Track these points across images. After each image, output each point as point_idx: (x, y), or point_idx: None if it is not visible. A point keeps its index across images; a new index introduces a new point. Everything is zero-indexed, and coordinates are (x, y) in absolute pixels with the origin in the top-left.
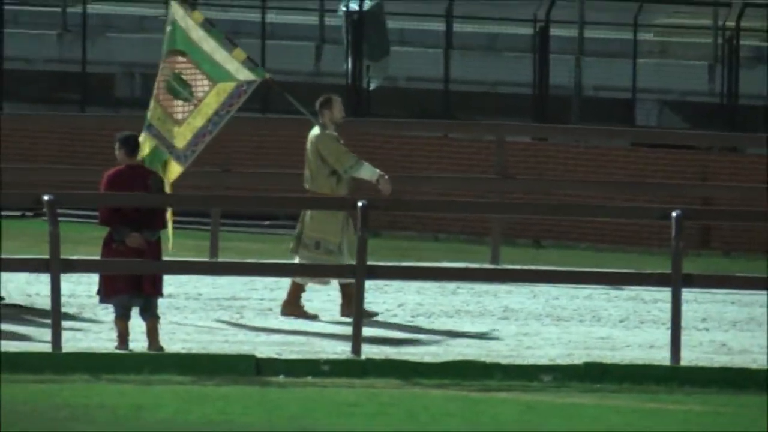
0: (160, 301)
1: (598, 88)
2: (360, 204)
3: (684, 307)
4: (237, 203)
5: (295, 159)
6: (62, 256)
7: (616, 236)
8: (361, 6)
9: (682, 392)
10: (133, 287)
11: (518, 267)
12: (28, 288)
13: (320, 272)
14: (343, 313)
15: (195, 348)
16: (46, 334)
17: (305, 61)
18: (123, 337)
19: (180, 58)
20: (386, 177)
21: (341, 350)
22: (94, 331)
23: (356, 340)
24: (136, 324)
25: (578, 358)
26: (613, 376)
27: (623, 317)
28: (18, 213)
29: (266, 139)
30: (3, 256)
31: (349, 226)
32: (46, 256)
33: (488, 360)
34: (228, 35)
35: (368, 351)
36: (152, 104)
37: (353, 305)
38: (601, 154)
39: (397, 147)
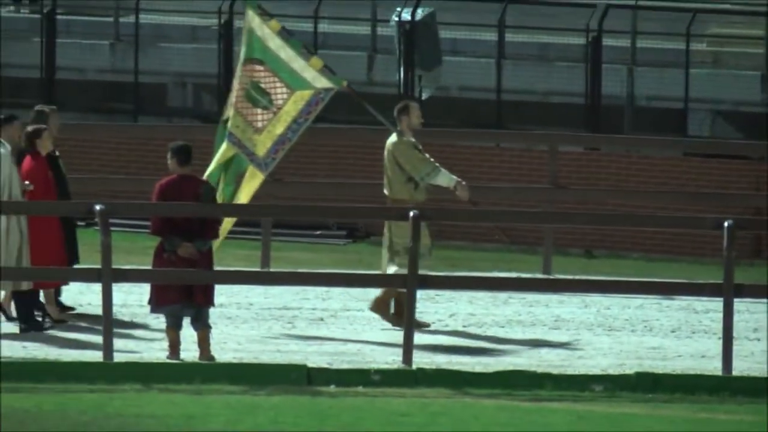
0: (212, 311)
1: (651, 98)
2: (411, 214)
3: (736, 317)
4: (288, 213)
5: (346, 168)
6: (114, 266)
7: (667, 246)
8: (413, 16)
9: (734, 402)
10: (184, 297)
11: (570, 277)
12: (81, 298)
13: (371, 282)
14: (396, 323)
15: (246, 358)
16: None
17: (357, 71)
18: (174, 346)
19: (258, 67)
20: (464, 183)
21: (392, 360)
22: (145, 340)
23: (407, 350)
24: (188, 334)
25: (630, 368)
26: (665, 386)
27: (675, 327)
28: None
29: (317, 149)
30: (55, 267)
31: (427, 231)
32: (98, 266)
33: (539, 370)
34: (305, 44)
35: (419, 361)
36: (232, 113)
37: (404, 315)
38: (653, 164)
39: (449, 157)
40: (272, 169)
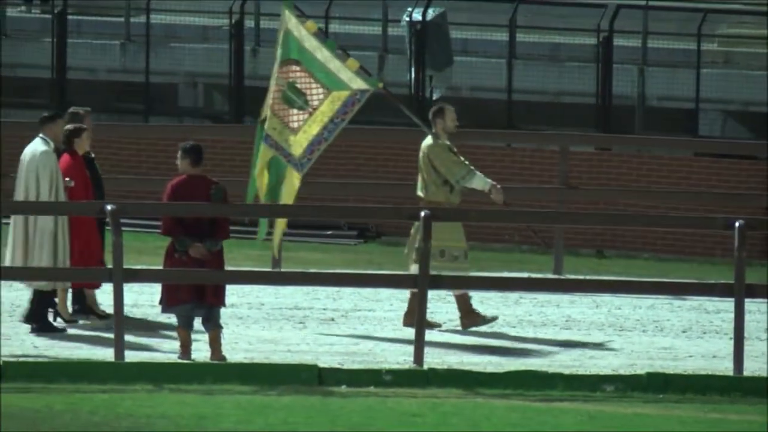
0: (223, 311)
1: (662, 98)
2: (422, 214)
3: (747, 318)
4: (299, 213)
5: (362, 168)
6: (125, 266)
7: (678, 246)
8: (424, 16)
9: (745, 402)
10: (195, 297)
11: (581, 277)
12: None
13: (382, 282)
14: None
15: (257, 358)
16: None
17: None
18: (185, 346)
19: (294, 67)
20: (498, 187)
21: (403, 360)
22: (156, 341)
23: (418, 350)
24: (199, 334)
25: (641, 368)
26: (676, 387)
27: (686, 327)
28: None
29: (332, 149)
30: (68, 267)
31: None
32: (110, 266)
33: (550, 370)
34: (341, 45)
35: (430, 361)
36: (268, 114)
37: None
38: (664, 164)
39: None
40: (308, 169)
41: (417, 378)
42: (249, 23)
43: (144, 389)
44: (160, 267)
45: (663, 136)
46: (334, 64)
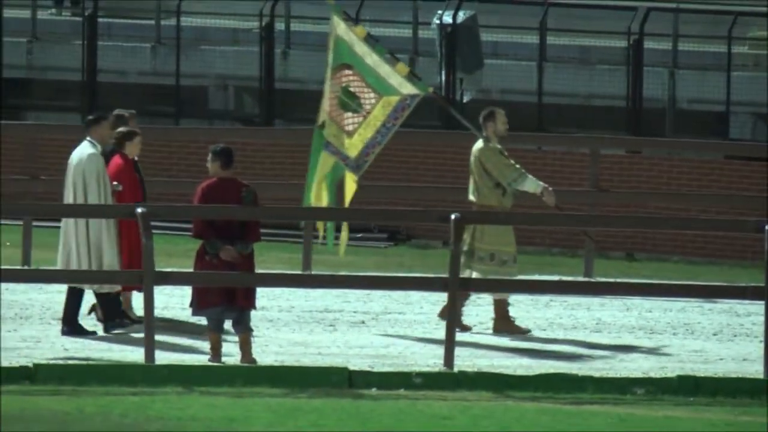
0: (253, 314)
1: (692, 101)
2: (452, 217)
3: None
4: (328, 215)
5: (393, 171)
6: (156, 269)
7: (709, 249)
8: (454, 19)
9: None
10: (226, 300)
11: (611, 280)
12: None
13: (412, 285)
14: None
15: (288, 361)
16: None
17: None
18: (216, 349)
19: (347, 71)
20: (550, 189)
21: (434, 363)
22: (187, 343)
23: (449, 352)
24: (229, 336)
25: (671, 371)
26: (707, 390)
27: (716, 330)
28: None
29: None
30: (99, 270)
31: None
32: (140, 269)
33: (581, 373)
34: (390, 50)
35: (461, 364)
36: (327, 121)
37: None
38: (694, 166)
39: None
40: (363, 171)
41: (447, 381)
42: (279, 26)
43: (174, 391)
44: (191, 270)
45: (693, 139)
46: (383, 69)
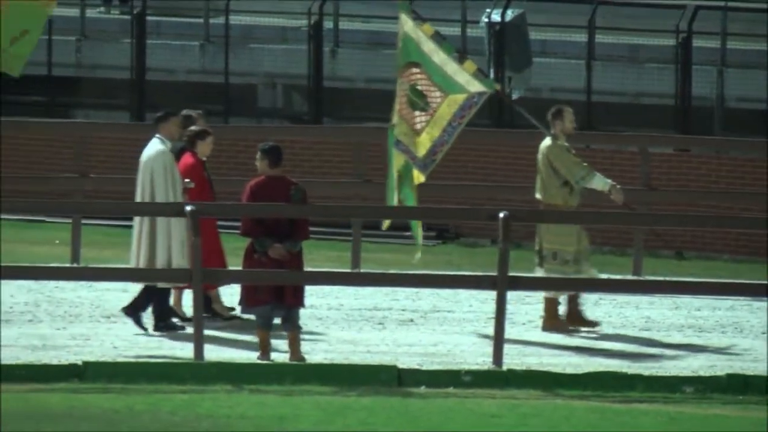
0: (302, 312)
1: (740, 99)
2: (501, 215)
3: None
4: (377, 214)
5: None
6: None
7: (757, 247)
8: (503, 17)
9: None
10: (275, 298)
11: (660, 278)
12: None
13: (456, 283)
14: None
15: (337, 359)
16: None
17: None
18: (264, 347)
19: (414, 69)
20: (618, 187)
21: (482, 361)
22: (236, 341)
23: (497, 350)
24: (278, 334)
25: (720, 369)
26: (756, 388)
27: (766, 329)
28: None
29: None
30: (148, 267)
31: (585, 236)
32: (188, 267)
33: (630, 371)
34: (458, 49)
35: (510, 362)
36: (397, 120)
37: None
38: (742, 165)
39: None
40: (431, 170)
41: (496, 379)
42: (328, 24)
43: (223, 389)
44: (240, 268)
45: (742, 137)
46: (450, 67)
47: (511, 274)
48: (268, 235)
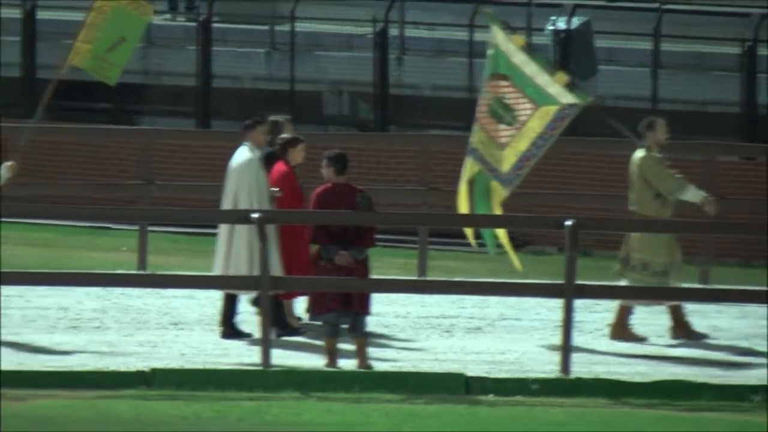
0: (369, 320)
1: None
2: (568, 223)
3: None
4: (443, 221)
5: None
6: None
7: None
8: (568, 25)
9: None
10: (341, 305)
11: (727, 287)
12: (238, 306)
13: (523, 291)
14: (674, 335)
15: (404, 366)
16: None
17: None
18: (332, 354)
19: (502, 83)
20: (711, 199)
21: (550, 369)
22: (303, 348)
23: (565, 359)
24: (346, 342)
25: None
26: None
27: None
28: None
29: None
30: (214, 274)
31: (677, 248)
32: (257, 274)
33: (698, 379)
34: (549, 60)
35: (577, 370)
36: (475, 128)
37: (681, 327)
38: None
39: (605, 165)
40: (516, 185)
41: (563, 387)
42: (393, 31)
43: (291, 397)
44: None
45: None
46: (542, 79)
47: (578, 282)
48: (334, 243)
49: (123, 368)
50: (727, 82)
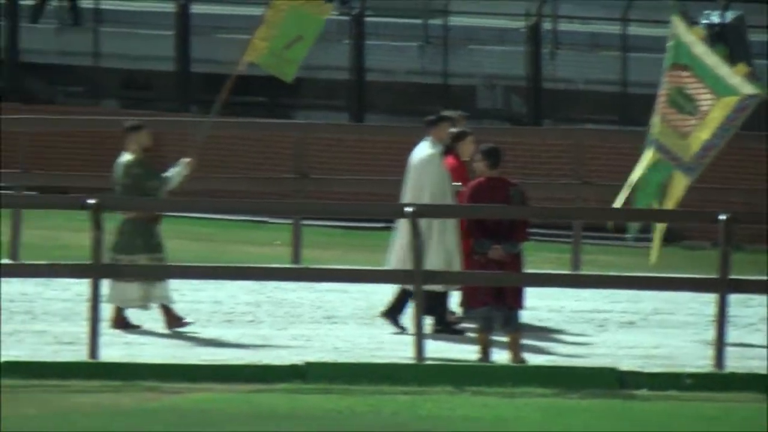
0: (522, 314)
1: None
2: (722, 218)
3: None
4: (596, 215)
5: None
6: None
7: None
8: (722, 19)
9: None
10: (495, 299)
11: None
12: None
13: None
14: None
15: (557, 361)
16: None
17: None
18: (485, 349)
19: (683, 73)
20: None
21: (704, 364)
22: (457, 342)
23: (719, 353)
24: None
25: None
26: None
27: None
28: (381, 224)
29: (624, 152)
30: (368, 268)
31: None
32: (410, 268)
33: None
34: (729, 52)
35: (731, 365)
36: (655, 120)
37: None
38: None
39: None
40: (699, 173)
41: (717, 382)
42: (546, 25)
43: (444, 391)
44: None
45: None
46: (723, 70)
47: (732, 276)
48: (487, 237)
49: (277, 362)
50: None
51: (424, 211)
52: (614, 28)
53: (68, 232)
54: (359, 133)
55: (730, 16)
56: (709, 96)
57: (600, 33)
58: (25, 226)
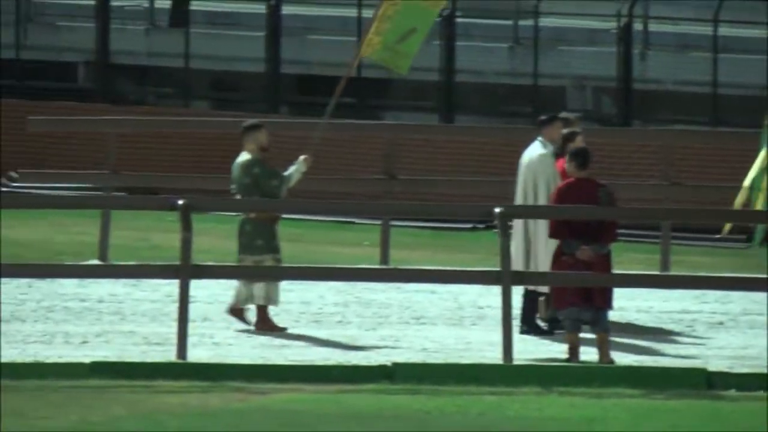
0: (610, 314)
1: None
2: None
3: None
4: (685, 216)
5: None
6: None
7: None
8: None
9: None
10: (583, 300)
11: None
12: (480, 300)
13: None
14: None
15: (645, 361)
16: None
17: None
18: (574, 349)
19: None
20: None
21: None
22: (544, 342)
23: None
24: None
25: None
26: None
27: None
28: (470, 225)
29: (714, 153)
30: (456, 269)
31: None
32: (498, 268)
33: None
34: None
35: None
36: None
37: None
38: None
39: None
40: None
41: None
42: (637, 26)
43: (532, 391)
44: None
45: None
46: None
47: None
48: (576, 237)
49: (365, 362)
50: None
51: (512, 212)
52: (705, 29)
53: (158, 233)
54: (449, 134)
55: None
56: None
57: (690, 34)
58: (115, 227)
